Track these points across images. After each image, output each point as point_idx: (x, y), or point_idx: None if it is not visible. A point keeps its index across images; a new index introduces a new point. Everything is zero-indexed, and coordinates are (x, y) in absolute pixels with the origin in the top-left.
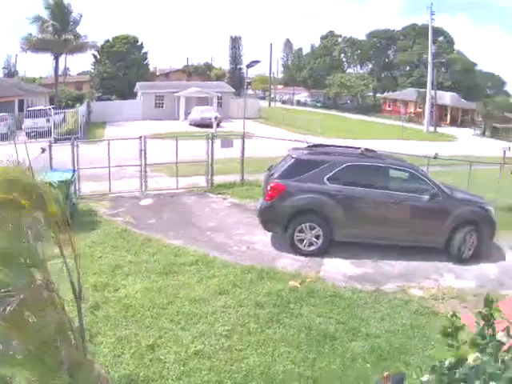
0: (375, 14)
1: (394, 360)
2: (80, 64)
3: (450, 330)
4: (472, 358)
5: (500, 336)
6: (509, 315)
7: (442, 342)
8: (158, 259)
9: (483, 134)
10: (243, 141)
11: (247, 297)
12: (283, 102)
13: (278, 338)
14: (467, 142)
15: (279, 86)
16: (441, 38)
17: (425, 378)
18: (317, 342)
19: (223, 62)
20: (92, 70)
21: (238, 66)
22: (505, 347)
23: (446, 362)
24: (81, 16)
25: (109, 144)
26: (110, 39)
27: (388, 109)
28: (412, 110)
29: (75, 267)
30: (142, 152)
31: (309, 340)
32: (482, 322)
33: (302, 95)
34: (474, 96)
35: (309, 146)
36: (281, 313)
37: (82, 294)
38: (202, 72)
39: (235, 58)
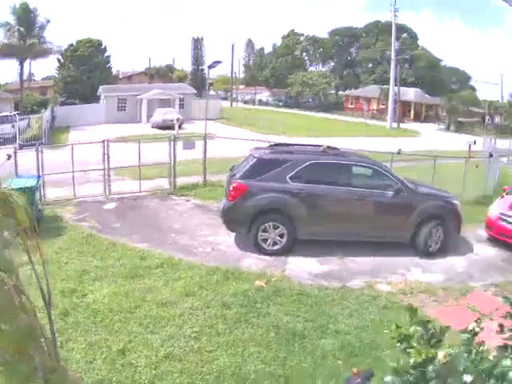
0: (338, 12)
1: (366, 356)
2: (45, 69)
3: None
4: (442, 354)
5: (471, 326)
6: (478, 307)
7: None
8: (124, 263)
9: (448, 128)
10: (205, 142)
11: (214, 298)
12: (245, 102)
13: (246, 338)
14: (431, 137)
15: (241, 86)
16: (404, 35)
17: (388, 378)
18: (286, 340)
19: (185, 64)
20: (56, 75)
21: (200, 67)
22: (478, 339)
23: (411, 361)
24: (48, 21)
25: (72, 149)
26: (74, 43)
27: (350, 106)
28: (375, 107)
29: (44, 274)
30: (105, 156)
31: (278, 339)
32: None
33: (264, 95)
34: (438, 91)
35: (270, 146)
36: (248, 313)
37: (52, 301)
38: (164, 74)
39: (197, 59)
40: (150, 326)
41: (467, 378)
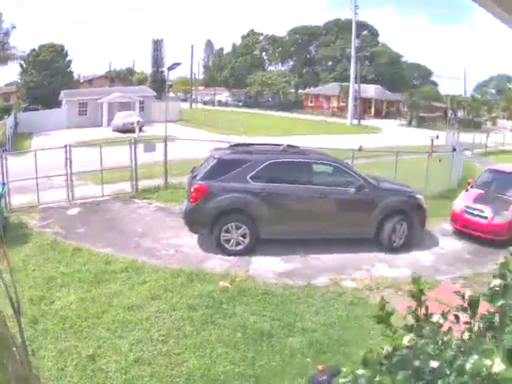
0: (300, 11)
1: (334, 353)
2: (9, 75)
3: (381, 316)
4: (407, 339)
5: (436, 318)
6: (447, 300)
7: (378, 331)
8: (89, 268)
9: (409, 124)
10: (165, 144)
11: (179, 300)
12: (204, 103)
13: (214, 339)
14: (392, 133)
15: (200, 87)
16: (365, 32)
17: (359, 371)
18: (253, 340)
19: (146, 66)
20: (19, 81)
21: (160, 69)
22: (445, 327)
23: (384, 351)
24: (13, 27)
25: (35, 155)
26: (37, 48)
27: (310, 104)
28: (335, 105)
29: (11, 282)
30: (68, 161)
31: (245, 339)
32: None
33: (224, 95)
34: (399, 87)
35: (230, 146)
36: (214, 314)
37: (21, 309)
38: (125, 77)
39: (157, 61)
40: (117, 330)
41: (434, 363)
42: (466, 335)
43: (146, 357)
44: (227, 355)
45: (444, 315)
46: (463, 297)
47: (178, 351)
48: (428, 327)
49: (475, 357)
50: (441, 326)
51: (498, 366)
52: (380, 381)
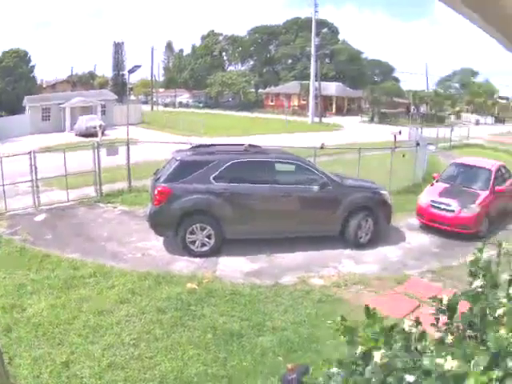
0: (260, 11)
1: (305, 350)
2: None
3: (343, 331)
4: (378, 355)
5: (407, 326)
6: (416, 294)
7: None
8: (58, 274)
9: (371, 120)
10: (128, 147)
11: (148, 303)
12: (165, 105)
13: (184, 341)
14: (354, 130)
15: (161, 90)
16: (325, 30)
17: (334, 369)
18: (224, 341)
19: (107, 70)
20: None
21: (121, 73)
22: (416, 335)
23: (357, 352)
24: None
25: (1, 162)
26: (0, 54)
27: (271, 103)
28: (296, 103)
29: None
30: (33, 167)
31: (216, 340)
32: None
33: (184, 97)
34: (361, 84)
35: (192, 147)
36: (183, 316)
37: None
38: (86, 81)
39: (118, 65)
40: (89, 336)
41: (409, 378)
42: (448, 339)
43: (118, 361)
44: (199, 357)
45: (416, 323)
46: (441, 301)
47: (150, 355)
48: (398, 337)
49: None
50: (410, 334)
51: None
52: (356, 381)
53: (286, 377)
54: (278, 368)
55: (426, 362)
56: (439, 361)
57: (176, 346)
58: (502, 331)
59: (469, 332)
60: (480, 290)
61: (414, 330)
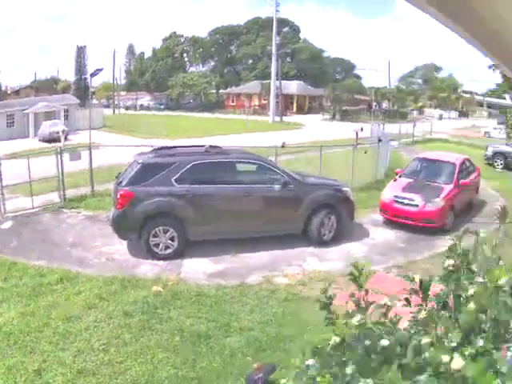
0: (221, 12)
1: (274, 349)
2: None
3: (324, 303)
4: (357, 319)
5: (385, 301)
6: (383, 289)
7: (318, 325)
8: (26, 282)
9: (333, 117)
10: (90, 152)
11: (115, 308)
12: (127, 108)
13: (153, 344)
14: (316, 128)
15: (122, 93)
16: (286, 29)
17: (310, 361)
18: (192, 343)
19: (70, 74)
20: None
21: (83, 77)
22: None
23: (331, 342)
24: None
25: None
26: None
27: (232, 104)
28: (256, 103)
29: None
30: None
31: (184, 342)
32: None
33: (145, 99)
34: (322, 82)
35: (154, 150)
36: (150, 319)
37: None
38: (49, 86)
39: (80, 69)
40: (59, 343)
41: (384, 342)
42: (420, 315)
43: (89, 367)
44: (168, 360)
45: (392, 298)
46: (413, 280)
47: (120, 359)
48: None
49: (431, 350)
50: (389, 308)
51: (457, 362)
52: (333, 372)
53: (252, 376)
54: (247, 368)
55: (426, 355)
56: (445, 358)
57: (145, 349)
58: (471, 305)
59: (442, 313)
60: (452, 269)
61: (390, 303)
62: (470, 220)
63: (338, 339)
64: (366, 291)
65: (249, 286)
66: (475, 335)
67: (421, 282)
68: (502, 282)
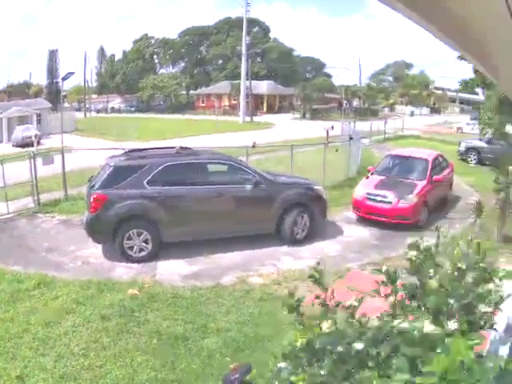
0: (192, 13)
1: (252, 349)
2: None
3: (291, 305)
4: (327, 325)
5: (350, 302)
6: (358, 286)
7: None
8: (4, 288)
9: (303, 116)
10: (63, 156)
11: (93, 312)
12: (98, 111)
13: (132, 347)
14: (286, 127)
15: (94, 96)
16: (256, 29)
17: (282, 364)
18: (170, 345)
19: (43, 78)
20: None
21: (55, 80)
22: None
23: (298, 344)
24: None
25: None
26: None
27: (202, 105)
28: (227, 103)
29: None
30: None
31: (162, 345)
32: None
33: (116, 102)
34: (292, 81)
35: (125, 152)
36: (128, 322)
37: None
38: (22, 90)
39: (52, 72)
40: (40, 348)
41: (358, 345)
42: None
43: (70, 372)
44: (147, 362)
45: (358, 300)
46: (380, 270)
47: (100, 363)
48: (342, 313)
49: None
50: (355, 308)
51: (428, 327)
52: (307, 373)
53: (229, 377)
54: (226, 369)
55: (401, 325)
56: (417, 324)
57: (124, 353)
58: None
59: (411, 302)
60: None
61: (356, 303)
62: (444, 216)
63: (304, 341)
64: (332, 292)
65: (224, 287)
66: (444, 317)
67: (388, 274)
68: (462, 265)
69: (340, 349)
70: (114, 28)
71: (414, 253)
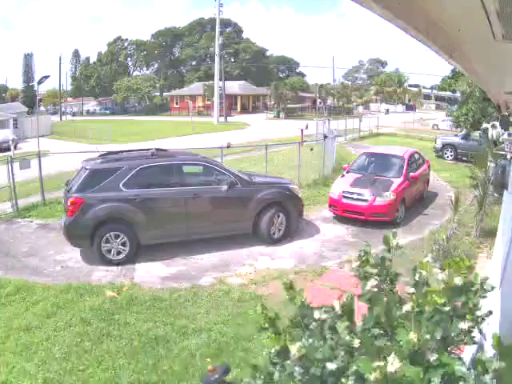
0: (164, 14)
1: (234, 349)
2: None
3: (264, 324)
4: (295, 348)
5: (317, 315)
6: (336, 284)
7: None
8: None
9: (277, 116)
10: (39, 160)
11: (73, 316)
12: (73, 115)
13: (113, 350)
14: (261, 127)
15: (69, 99)
16: (229, 29)
17: (246, 379)
18: (151, 347)
19: (19, 82)
20: None
21: (31, 84)
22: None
23: (272, 351)
24: None
25: None
26: None
27: (176, 106)
28: (201, 104)
29: None
30: None
31: (143, 347)
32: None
33: (91, 104)
34: (266, 81)
35: (101, 155)
36: (108, 326)
37: None
38: None
39: (28, 76)
40: (23, 353)
41: (331, 365)
42: (355, 342)
43: (53, 377)
44: (129, 365)
45: (326, 309)
46: (333, 309)
47: (82, 367)
48: (312, 325)
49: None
50: (324, 321)
51: (393, 364)
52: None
53: (209, 378)
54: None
55: (358, 365)
56: (379, 363)
57: (106, 356)
58: (412, 335)
59: (377, 330)
60: (375, 290)
61: (323, 316)
62: (421, 212)
63: (278, 348)
64: (302, 295)
65: (203, 288)
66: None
67: (343, 306)
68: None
69: (313, 371)
70: (88, 30)
71: (371, 283)
